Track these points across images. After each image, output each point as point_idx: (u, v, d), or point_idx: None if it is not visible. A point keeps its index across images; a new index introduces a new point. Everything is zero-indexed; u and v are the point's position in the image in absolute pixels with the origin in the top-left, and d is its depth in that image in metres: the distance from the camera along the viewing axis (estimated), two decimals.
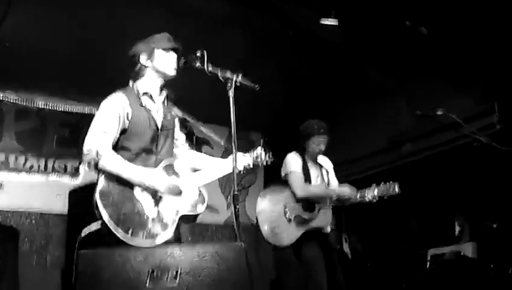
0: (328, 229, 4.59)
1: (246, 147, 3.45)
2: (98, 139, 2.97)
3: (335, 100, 6.91)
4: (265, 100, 5.36)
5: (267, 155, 3.49)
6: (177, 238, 3.04)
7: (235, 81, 3.02)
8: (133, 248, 2.57)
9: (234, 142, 2.92)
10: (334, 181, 4.80)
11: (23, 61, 5.71)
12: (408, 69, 6.02)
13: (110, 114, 3.06)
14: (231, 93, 3.00)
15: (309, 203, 4.54)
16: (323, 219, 4.52)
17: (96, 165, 2.93)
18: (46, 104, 6.50)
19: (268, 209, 4.55)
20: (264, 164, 3.49)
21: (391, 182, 4.38)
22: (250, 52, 5.88)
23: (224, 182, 7.28)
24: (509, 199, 5.01)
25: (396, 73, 6.21)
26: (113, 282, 2.11)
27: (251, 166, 3.41)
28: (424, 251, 5.70)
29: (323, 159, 4.84)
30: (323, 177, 4.77)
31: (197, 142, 4.64)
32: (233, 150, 2.94)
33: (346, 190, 4.54)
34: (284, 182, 4.66)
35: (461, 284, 3.39)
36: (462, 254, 5.06)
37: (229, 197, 7.50)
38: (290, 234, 4.46)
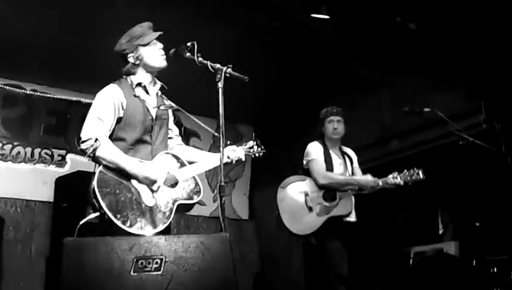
0: (352, 218, 4.58)
1: (234, 139, 3.48)
2: (96, 127, 3.00)
3: (321, 93, 6.92)
4: (253, 92, 5.38)
5: (259, 147, 3.54)
6: (167, 230, 3.07)
7: (225, 72, 3.02)
8: (118, 237, 2.57)
9: (222, 133, 2.93)
10: (358, 172, 4.76)
11: (12, 48, 5.68)
12: (395, 64, 6.05)
13: (106, 103, 3.08)
14: (220, 85, 3.01)
15: (330, 192, 4.54)
16: (344, 208, 4.50)
17: (94, 153, 2.93)
18: (34, 92, 6.45)
19: (289, 198, 4.59)
20: (256, 155, 3.55)
21: (415, 168, 4.40)
22: (238, 43, 5.89)
23: (211, 174, 7.28)
24: (493, 198, 5.06)
25: (383, 68, 6.25)
26: (98, 270, 2.11)
27: (242, 159, 3.45)
28: (407, 249, 5.74)
29: (347, 149, 4.85)
30: (347, 166, 4.75)
31: (185, 134, 4.65)
32: (221, 142, 2.95)
33: (369, 179, 4.51)
34: (305, 171, 4.69)
35: (442, 282, 3.43)
36: (444, 251, 5.11)
37: (216, 190, 7.52)
38: (311, 223, 4.47)
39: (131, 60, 3.21)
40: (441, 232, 5.71)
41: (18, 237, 6.11)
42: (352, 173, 4.75)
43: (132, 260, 2.17)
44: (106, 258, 2.15)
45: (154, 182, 2.99)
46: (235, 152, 3.41)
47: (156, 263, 2.21)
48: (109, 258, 2.15)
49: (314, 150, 4.70)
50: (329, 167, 4.64)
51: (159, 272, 2.20)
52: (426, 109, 4.45)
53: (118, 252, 2.16)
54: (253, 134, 3.60)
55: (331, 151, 4.73)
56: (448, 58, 5.54)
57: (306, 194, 4.57)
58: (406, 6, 5.32)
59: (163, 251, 2.24)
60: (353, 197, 4.53)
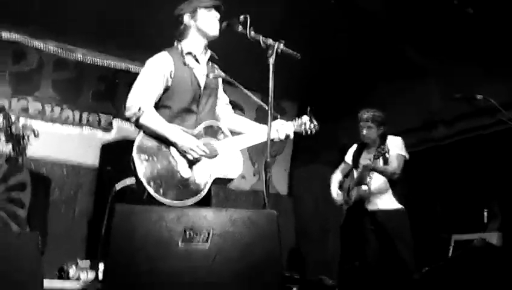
0: (383, 206, 4.75)
1: (277, 115, 3.44)
2: (141, 96, 3.02)
3: (367, 75, 6.82)
4: (298, 69, 5.33)
5: (312, 124, 3.47)
6: (207, 201, 3.09)
7: (277, 49, 3.00)
8: (167, 207, 2.61)
9: (271, 109, 2.92)
10: (392, 160, 4.66)
11: (65, 13, 5.76)
12: (447, 50, 5.90)
13: (155, 72, 3.10)
14: (272, 60, 2.99)
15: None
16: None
17: (137, 121, 2.97)
18: (85, 57, 6.55)
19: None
20: (309, 132, 3.48)
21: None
22: (287, 19, 5.81)
23: (252, 147, 7.31)
24: None
25: (435, 53, 6.09)
26: (147, 239, 2.15)
27: (291, 136, 3.39)
28: (447, 235, 5.67)
29: (391, 141, 4.80)
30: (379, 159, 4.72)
31: None
32: (269, 118, 2.94)
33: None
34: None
35: (488, 274, 3.36)
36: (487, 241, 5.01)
37: (256, 164, 7.54)
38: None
39: (186, 19, 3.22)
40: (485, 221, 5.59)
41: (62, 198, 6.28)
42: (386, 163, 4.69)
43: (181, 230, 2.20)
44: (155, 227, 2.17)
45: (193, 151, 2.99)
46: (284, 127, 3.34)
47: (204, 235, 2.23)
48: (158, 227, 2.18)
49: (348, 153, 5.13)
50: (356, 167, 4.93)
51: (207, 244, 2.23)
52: (479, 96, 4.34)
53: (167, 221, 2.19)
54: (308, 109, 3.52)
55: (364, 152, 4.94)
56: (503, 46, 5.36)
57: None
58: None
59: (211, 223, 2.26)
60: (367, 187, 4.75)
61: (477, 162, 5.84)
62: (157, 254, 2.15)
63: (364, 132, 4.83)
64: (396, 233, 4.62)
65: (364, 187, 4.72)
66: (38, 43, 6.24)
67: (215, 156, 3.10)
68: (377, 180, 4.74)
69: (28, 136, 5.58)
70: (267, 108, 2.94)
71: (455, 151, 6.08)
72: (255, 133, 3.31)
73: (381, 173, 4.68)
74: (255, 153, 7.37)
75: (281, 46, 3.01)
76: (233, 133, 3.29)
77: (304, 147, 7.78)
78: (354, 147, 5.08)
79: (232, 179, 3.17)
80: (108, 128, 6.66)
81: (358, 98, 6.98)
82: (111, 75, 6.73)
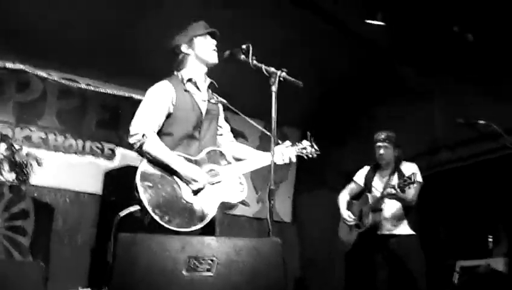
0: (396, 231, 4.72)
1: (279, 142, 3.45)
2: (145, 122, 3.04)
3: (370, 99, 6.84)
4: (300, 96, 5.38)
5: (313, 148, 3.49)
6: (211, 228, 3.08)
7: (279, 77, 3.02)
8: (171, 236, 2.60)
9: (274, 136, 2.93)
10: (411, 189, 4.57)
11: (70, 43, 5.83)
12: (450, 74, 5.93)
13: (157, 100, 3.13)
14: (274, 88, 2.99)
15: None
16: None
17: (140, 147, 2.98)
18: (89, 86, 6.60)
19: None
20: (310, 156, 3.49)
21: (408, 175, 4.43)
22: (288, 46, 5.87)
23: (255, 174, 7.29)
24: None
25: (437, 78, 6.13)
26: (150, 269, 2.13)
27: (294, 159, 3.40)
28: (452, 261, 5.61)
29: (406, 166, 4.81)
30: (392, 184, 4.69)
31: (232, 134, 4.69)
32: (272, 146, 2.94)
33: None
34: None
35: None
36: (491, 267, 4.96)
37: (260, 192, 7.52)
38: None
39: (183, 49, 3.25)
40: (490, 247, 5.54)
41: (65, 226, 6.27)
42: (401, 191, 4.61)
43: (185, 259, 2.18)
44: (159, 256, 2.16)
45: (196, 182, 2.99)
46: (287, 151, 3.36)
47: (208, 264, 2.22)
48: (162, 256, 2.17)
49: (358, 173, 5.11)
50: (368, 189, 4.92)
51: (211, 274, 2.21)
52: (481, 121, 4.34)
53: (171, 250, 2.18)
54: (308, 134, 3.54)
55: (377, 174, 4.92)
56: (504, 69, 5.40)
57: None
58: (465, 16, 5.20)
59: (215, 252, 2.25)
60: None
61: (482, 187, 5.81)
62: (160, 283, 2.14)
63: (382, 151, 4.80)
64: (410, 259, 4.56)
65: (381, 213, 4.68)
66: (41, 73, 6.30)
67: (219, 182, 3.10)
68: (392, 206, 4.69)
69: (32, 165, 5.61)
70: (269, 134, 2.95)
71: (459, 177, 6.06)
72: (258, 158, 3.32)
73: (402, 201, 4.63)
74: (258, 180, 7.34)
75: (283, 74, 3.03)
76: (234, 160, 3.29)
77: (307, 174, 7.77)
78: (366, 168, 5.04)
79: (236, 204, 3.16)
80: (111, 156, 6.68)
81: (361, 123, 7.01)
82: (114, 104, 6.78)
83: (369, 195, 4.83)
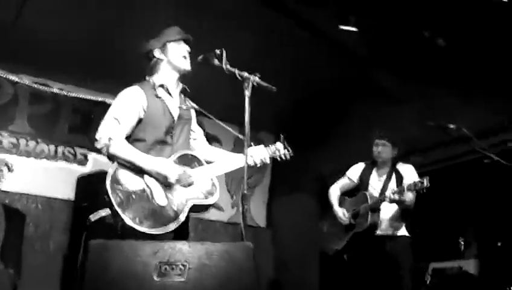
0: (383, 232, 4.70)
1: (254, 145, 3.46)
2: (111, 127, 3.03)
3: (344, 104, 6.89)
4: (274, 100, 5.42)
5: (286, 149, 3.51)
6: (185, 233, 3.07)
7: (253, 82, 3.03)
8: (142, 241, 2.58)
9: (248, 140, 2.94)
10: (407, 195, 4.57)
11: (41, 47, 5.76)
12: (421, 78, 6.00)
13: (125, 104, 3.12)
14: (247, 93, 3.01)
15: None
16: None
17: (108, 151, 2.97)
18: (61, 90, 6.52)
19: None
20: (283, 158, 3.51)
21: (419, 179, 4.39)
22: (260, 51, 5.89)
23: (230, 180, 7.29)
24: None
25: (409, 81, 6.20)
26: (122, 274, 2.12)
27: (267, 160, 3.41)
28: (424, 263, 5.66)
29: (403, 167, 4.82)
30: (391, 185, 4.72)
31: (206, 138, 4.69)
32: (246, 150, 2.96)
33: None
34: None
35: None
36: (463, 269, 5.03)
37: (234, 196, 7.51)
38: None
39: (156, 54, 3.24)
40: (462, 249, 5.61)
41: (38, 233, 6.18)
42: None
43: (156, 264, 2.17)
44: (130, 262, 2.15)
45: (167, 178, 2.98)
46: (260, 153, 3.36)
47: (180, 269, 2.21)
48: (133, 261, 2.16)
49: (351, 169, 5.06)
50: (364, 186, 4.87)
51: (182, 279, 2.21)
52: (451, 125, 4.40)
53: (142, 256, 2.17)
54: (281, 136, 3.56)
55: (373, 172, 4.88)
56: (475, 75, 5.48)
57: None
58: (435, 21, 5.28)
59: (187, 257, 2.24)
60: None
61: (453, 190, 5.90)
62: (132, 288, 2.12)
63: (380, 148, 4.78)
64: (402, 260, 4.55)
65: (379, 214, 4.65)
66: (12, 77, 6.21)
67: (191, 183, 3.08)
68: (391, 208, 4.66)
69: (2, 171, 5.52)
70: (243, 138, 2.96)
71: (430, 180, 6.13)
72: (231, 159, 3.32)
73: (401, 204, 4.57)
74: (233, 185, 7.35)
75: (256, 78, 3.05)
76: (208, 163, 3.28)
77: (281, 178, 7.79)
78: (361, 165, 5.00)
79: (209, 205, 3.14)
80: (83, 161, 6.61)
81: (336, 128, 7.04)
82: (87, 109, 6.69)
83: (366, 193, 4.77)
